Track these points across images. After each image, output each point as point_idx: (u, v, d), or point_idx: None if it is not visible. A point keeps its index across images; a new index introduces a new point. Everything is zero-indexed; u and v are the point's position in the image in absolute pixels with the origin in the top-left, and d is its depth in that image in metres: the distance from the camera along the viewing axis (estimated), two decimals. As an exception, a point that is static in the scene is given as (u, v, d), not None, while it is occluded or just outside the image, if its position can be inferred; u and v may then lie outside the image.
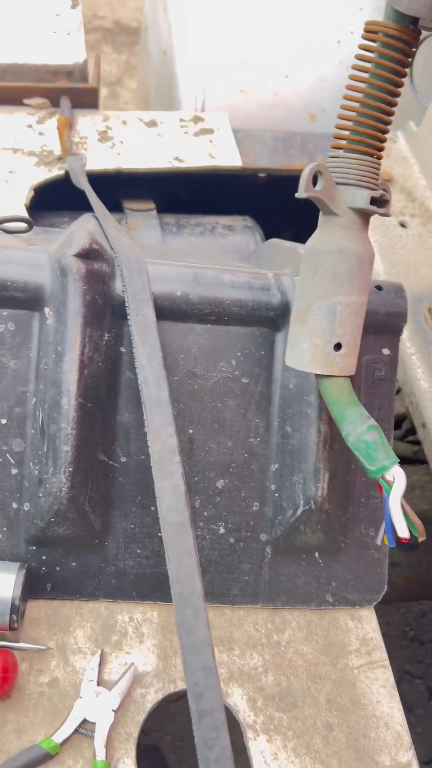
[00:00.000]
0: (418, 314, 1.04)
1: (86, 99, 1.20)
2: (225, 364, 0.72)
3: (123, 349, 0.69)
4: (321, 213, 0.62)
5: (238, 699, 0.68)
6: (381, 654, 0.73)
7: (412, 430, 1.40)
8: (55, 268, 0.66)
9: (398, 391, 1.31)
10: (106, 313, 0.67)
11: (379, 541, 0.70)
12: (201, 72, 1.51)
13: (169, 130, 1.20)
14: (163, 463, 0.61)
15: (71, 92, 1.18)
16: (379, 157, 0.60)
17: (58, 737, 0.63)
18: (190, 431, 0.71)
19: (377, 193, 0.60)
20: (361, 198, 0.59)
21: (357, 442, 0.60)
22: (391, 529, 0.58)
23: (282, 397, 0.72)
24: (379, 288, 0.74)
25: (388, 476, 0.58)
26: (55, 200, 1.09)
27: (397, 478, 0.58)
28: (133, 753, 0.64)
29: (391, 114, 0.59)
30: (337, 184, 0.60)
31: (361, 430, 0.60)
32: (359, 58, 0.57)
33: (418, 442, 1.37)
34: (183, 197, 1.25)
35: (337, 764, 0.66)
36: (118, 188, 1.17)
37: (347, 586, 0.74)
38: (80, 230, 0.67)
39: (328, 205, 0.59)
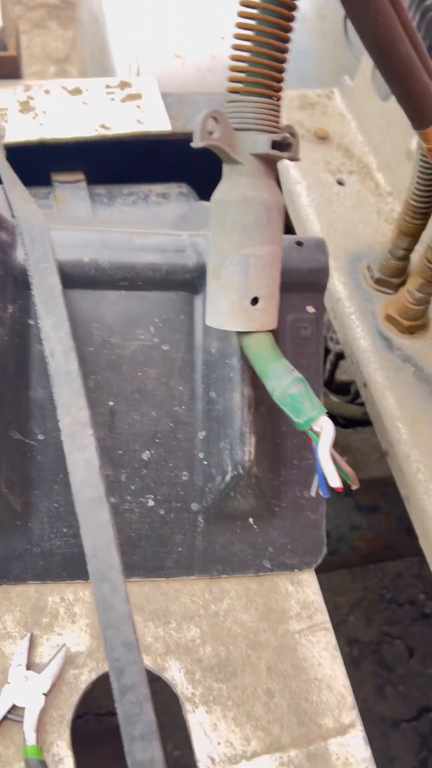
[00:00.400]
0: (357, 273, 1.02)
1: (6, 68, 1.15)
2: (143, 332, 0.69)
3: (31, 322, 0.66)
4: (224, 163, 0.59)
5: (175, 672, 0.67)
6: (322, 617, 0.72)
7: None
8: None
9: (342, 356, 1.29)
10: (7, 283, 0.64)
11: (313, 493, 0.69)
12: (133, 38, 1.46)
13: (95, 97, 1.15)
14: (75, 437, 0.59)
15: (-12, 62, 1.13)
16: (279, 98, 0.57)
17: (-13, 725, 0.61)
18: (111, 403, 0.68)
19: (279, 137, 0.57)
20: (262, 143, 0.56)
21: (282, 396, 0.58)
22: (324, 480, 0.56)
23: (204, 363, 0.70)
24: (299, 244, 0.72)
25: (316, 427, 0.57)
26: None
27: (324, 428, 0.56)
28: (66, 735, 0.62)
29: (285, 51, 0.56)
30: (236, 130, 0.57)
31: (286, 384, 0.58)
32: (247, -7, 0.54)
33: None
34: (116, 167, 1.21)
35: (278, 730, 0.65)
36: (47, 161, 1.13)
37: (285, 550, 0.73)
38: (-24, 199, 0.64)
39: (228, 153, 0.56)
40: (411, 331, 0.95)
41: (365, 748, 0.65)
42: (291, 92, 1.26)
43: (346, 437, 2.28)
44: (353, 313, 0.98)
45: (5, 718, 0.62)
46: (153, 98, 1.18)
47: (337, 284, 1.01)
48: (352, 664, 1.99)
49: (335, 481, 0.56)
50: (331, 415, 1.38)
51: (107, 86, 1.18)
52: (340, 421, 1.32)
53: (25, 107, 1.11)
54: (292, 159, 0.60)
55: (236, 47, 0.56)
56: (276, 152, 0.56)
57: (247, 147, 0.57)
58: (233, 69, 0.57)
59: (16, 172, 0.86)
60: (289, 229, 1.17)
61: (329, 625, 0.71)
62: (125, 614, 0.55)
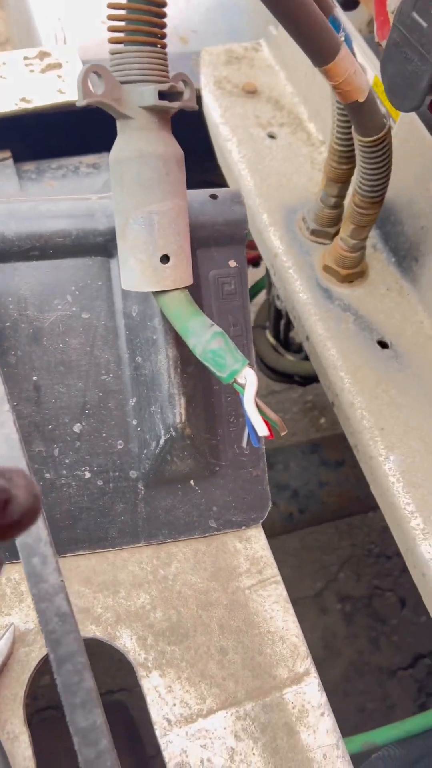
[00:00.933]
0: (293, 225, 1.01)
1: None
2: (60, 302, 0.67)
3: None
4: (116, 120, 0.57)
5: (127, 640, 0.67)
6: (272, 570, 0.72)
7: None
8: None
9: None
10: None
11: (244, 444, 0.69)
12: (56, 6, 1.41)
13: (13, 70, 1.12)
14: (-8, 413, 0.58)
15: None
16: (163, 46, 0.55)
17: None
18: (34, 378, 0.67)
19: (166, 86, 0.55)
20: (149, 94, 0.54)
21: (204, 353, 0.57)
22: (253, 429, 0.56)
23: (127, 327, 0.68)
24: (213, 197, 0.70)
25: (240, 379, 0.56)
26: None
27: (248, 379, 0.56)
28: (20, 712, 0.62)
29: (163, -6, 0.54)
30: (122, 83, 0.55)
31: (206, 339, 0.57)
32: None
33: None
34: (46, 142, 1.18)
35: (233, 685, 0.65)
36: (-29, 141, 1.10)
37: (229, 508, 0.72)
38: None
39: (116, 108, 0.54)
40: (349, 279, 0.94)
41: (320, 694, 0.65)
42: (217, 48, 1.23)
43: (305, 395, 2.28)
44: (291, 267, 0.97)
45: None
46: (75, 66, 1.15)
47: (274, 239, 1.00)
48: (345, 620, 2.02)
49: (263, 430, 0.55)
50: (289, 374, 1.37)
51: (25, 57, 1.15)
52: (297, 379, 1.32)
53: None
54: (186, 108, 0.58)
55: (112, -7, 0.53)
56: (165, 102, 0.55)
57: (134, 100, 0.55)
58: (111, 18, 0.55)
59: None
60: (224, 186, 1.15)
61: (279, 578, 0.71)
62: (57, 585, 0.54)
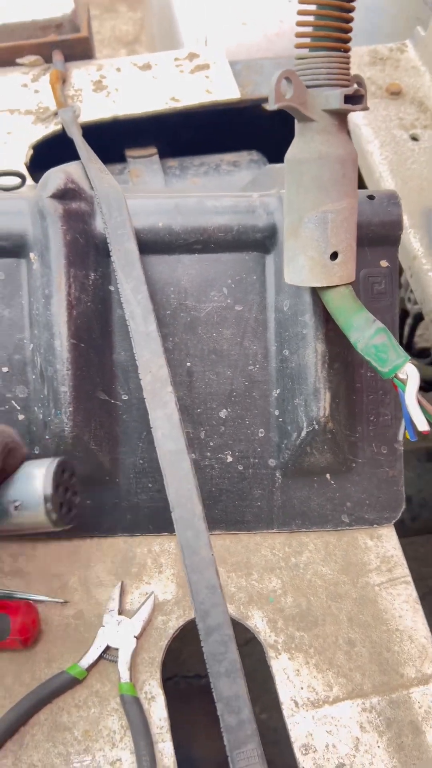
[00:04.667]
0: (434, 229, 1.00)
1: (79, 50, 1.19)
2: (217, 293, 0.71)
3: (112, 288, 0.69)
4: (296, 121, 0.60)
5: (258, 621, 0.69)
6: (402, 570, 0.72)
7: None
8: (35, 212, 0.66)
9: (422, 317, 1.26)
10: (89, 252, 0.67)
11: (400, 437, 0.70)
12: (199, 9, 1.46)
13: (164, 71, 1.17)
14: (155, 394, 0.62)
15: (62, 45, 1.17)
16: (347, 50, 0.57)
17: (84, 663, 0.65)
18: (188, 364, 0.71)
19: (350, 90, 0.57)
20: (335, 98, 0.56)
21: (366, 347, 0.59)
22: (411, 424, 0.57)
23: (277, 321, 0.71)
24: (371, 197, 0.71)
25: (401, 375, 0.58)
26: (60, 155, 1.09)
27: (410, 375, 0.58)
28: (158, 675, 0.66)
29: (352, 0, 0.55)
30: (308, 87, 0.57)
31: (369, 334, 0.59)
32: None
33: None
34: (188, 138, 1.23)
35: (360, 677, 0.67)
36: (121, 137, 1.16)
37: (363, 505, 0.73)
38: (56, 172, 0.67)
39: (302, 111, 0.57)
40: None
41: (448, 697, 0.65)
42: (361, 48, 1.23)
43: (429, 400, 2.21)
44: (431, 270, 0.96)
45: (101, 657, 0.66)
46: (221, 67, 1.18)
47: (413, 241, 0.99)
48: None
49: (423, 425, 0.57)
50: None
51: (176, 59, 1.20)
52: (421, 384, 1.30)
53: (99, 86, 1.14)
54: (364, 109, 0.59)
55: (302, 1, 0.56)
56: (349, 106, 0.56)
57: (320, 103, 0.57)
58: (300, 24, 0.57)
59: (92, 148, 0.89)
60: (362, 188, 1.15)
61: (410, 579, 0.72)
62: (208, 559, 0.58)
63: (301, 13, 0.56)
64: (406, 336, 1.37)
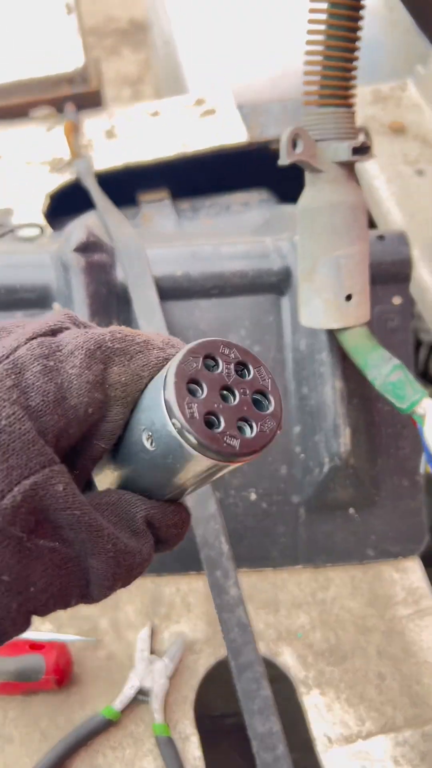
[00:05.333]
0: (443, 261, 1.02)
1: (90, 101, 1.23)
2: (235, 336, 0.73)
3: (134, 334, 0.72)
4: (306, 172, 0.63)
5: (288, 657, 0.70)
6: (429, 602, 0.73)
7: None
8: (58, 265, 0.69)
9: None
10: (111, 301, 0.70)
11: (422, 470, 0.71)
12: (204, 55, 1.51)
13: (173, 117, 1.21)
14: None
15: (74, 97, 1.21)
16: (351, 105, 0.60)
17: (118, 705, 0.66)
18: (210, 405, 0.73)
19: (357, 143, 0.59)
20: (344, 151, 0.59)
21: (384, 385, 0.61)
22: (431, 457, 0.59)
23: (295, 360, 0.73)
24: (381, 238, 0.74)
25: (420, 410, 0.59)
26: (75, 204, 1.13)
27: (428, 409, 0.59)
28: (191, 714, 0.67)
29: (354, 60, 0.58)
30: (317, 141, 0.60)
31: (386, 372, 0.61)
32: (312, 11, 0.57)
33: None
34: (199, 180, 1.27)
35: (392, 711, 0.67)
36: (134, 183, 1.20)
37: (386, 538, 0.74)
38: (78, 226, 0.70)
39: (312, 164, 0.60)
40: None
41: None
42: (363, 88, 1.27)
43: None
44: (442, 301, 0.98)
45: (134, 698, 0.67)
46: (228, 111, 1.23)
47: (424, 274, 1.01)
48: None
49: None
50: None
51: (184, 105, 1.24)
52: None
53: (110, 134, 1.19)
54: (369, 159, 0.62)
55: (308, 63, 0.59)
56: (357, 157, 0.59)
57: (329, 156, 0.60)
58: (307, 83, 0.60)
59: (105, 193, 0.93)
60: (370, 223, 1.18)
61: (436, 609, 0.72)
62: (238, 598, 0.59)
63: (307, 73, 0.59)
64: (421, 365, 1.38)
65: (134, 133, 1.18)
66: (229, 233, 1.10)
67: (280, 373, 0.73)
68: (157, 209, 1.17)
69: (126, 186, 1.17)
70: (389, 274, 0.73)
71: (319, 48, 0.58)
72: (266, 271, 0.72)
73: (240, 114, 1.22)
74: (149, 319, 0.67)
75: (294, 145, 0.58)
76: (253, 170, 1.27)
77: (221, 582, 0.59)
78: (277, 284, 0.72)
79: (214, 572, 0.59)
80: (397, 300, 0.74)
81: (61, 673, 0.66)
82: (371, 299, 0.73)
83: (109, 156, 1.15)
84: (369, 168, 1.15)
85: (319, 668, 0.69)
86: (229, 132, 1.18)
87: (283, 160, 0.58)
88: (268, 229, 0.94)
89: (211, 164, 1.22)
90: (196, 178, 1.25)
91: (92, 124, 1.20)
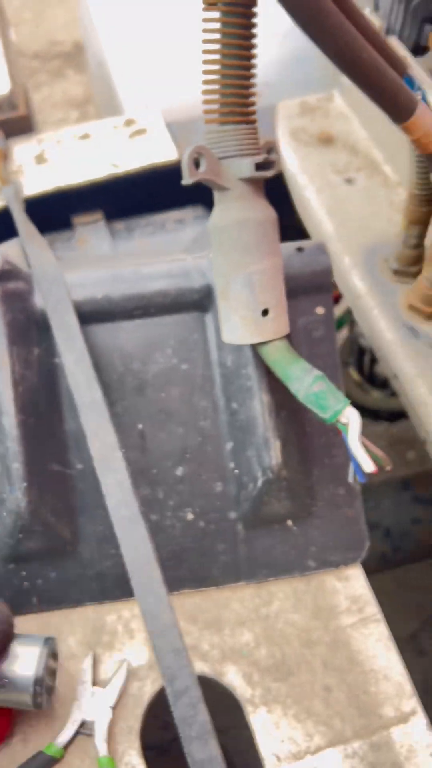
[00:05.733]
0: (375, 267, 1.03)
1: (19, 127, 1.23)
2: (161, 355, 0.73)
3: (57, 360, 0.71)
4: (213, 190, 0.63)
5: (233, 677, 0.69)
6: (372, 608, 0.73)
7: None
8: (-27, 296, 0.68)
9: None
10: (30, 328, 0.69)
11: (350, 480, 0.71)
12: (136, 76, 1.52)
13: (104, 138, 1.21)
14: (106, 460, 0.63)
15: (2, 123, 1.21)
16: (253, 122, 0.60)
17: (61, 741, 0.65)
18: (140, 426, 0.72)
19: (260, 159, 0.60)
20: (247, 167, 0.59)
21: (307, 396, 0.61)
22: (358, 466, 0.59)
23: (223, 376, 0.73)
24: (300, 249, 0.74)
25: (343, 419, 0.59)
26: (9, 232, 1.12)
27: (351, 418, 0.59)
28: (137, 744, 0.66)
29: (251, 77, 0.59)
30: (220, 159, 0.60)
31: (308, 383, 0.61)
32: (205, 30, 0.57)
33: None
34: (134, 200, 1.26)
35: (340, 723, 0.67)
36: (67, 206, 1.19)
37: (327, 548, 0.74)
38: (-7, 255, 0.69)
39: (217, 182, 0.60)
40: (434, 316, 0.95)
41: (428, 734, 0.65)
42: (291, 101, 1.29)
43: (389, 429, 2.24)
44: (375, 307, 0.99)
45: (77, 733, 0.65)
46: (158, 130, 1.23)
47: (356, 281, 1.02)
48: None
49: (369, 466, 0.58)
50: (376, 411, 1.38)
51: (114, 126, 1.24)
52: (383, 415, 1.32)
53: (40, 159, 1.18)
54: (274, 175, 0.62)
55: (205, 81, 0.59)
56: (261, 173, 0.59)
57: (233, 173, 0.60)
58: (206, 102, 0.60)
59: (38, 220, 0.92)
60: (303, 235, 1.19)
61: (380, 616, 0.72)
62: (171, 622, 0.58)
63: (205, 92, 0.59)
64: (367, 370, 1.40)
65: (65, 156, 1.18)
66: (164, 252, 1.10)
67: (209, 390, 0.73)
68: (92, 231, 1.17)
69: (60, 210, 1.16)
70: (311, 285, 0.73)
71: (216, 67, 0.58)
72: (188, 289, 0.72)
73: (170, 132, 1.22)
74: (70, 345, 0.66)
75: (197, 164, 0.58)
76: (186, 187, 1.28)
77: (153, 608, 0.58)
78: (199, 302, 0.72)
79: (146, 598, 0.58)
80: (320, 310, 0.74)
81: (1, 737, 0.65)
82: (295, 311, 0.74)
83: (39, 181, 1.14)
84: (299, 179, 1.16)
85: (265, 685, 0.69)
86: (159, 150, 1.19)
87: (186, 180, 0.58)
88: (198, 246, 0.94)
89: (145, 184, 1.22)
90: (131, 198, 1.25)
91: (21, 150, 1.19)
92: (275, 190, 1.18)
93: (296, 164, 1.18)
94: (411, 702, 0.68)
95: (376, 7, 1.14)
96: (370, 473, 0.59)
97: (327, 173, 1.16)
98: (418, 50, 1.10)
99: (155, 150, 1.19)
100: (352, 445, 0.59)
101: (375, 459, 0.59)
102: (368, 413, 1.33)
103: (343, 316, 1.45)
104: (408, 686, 0.68)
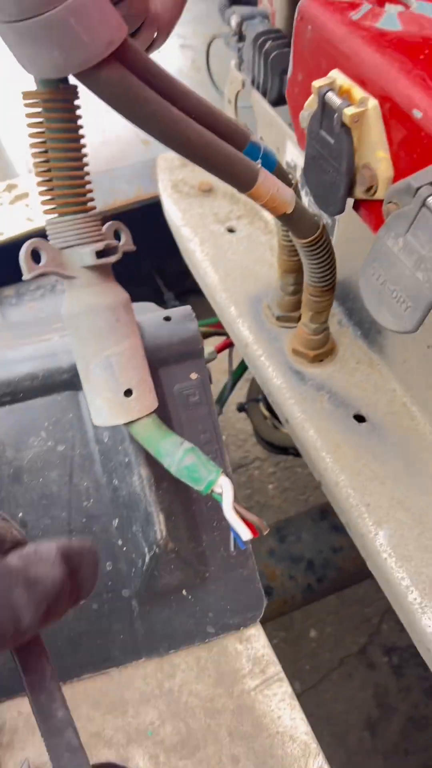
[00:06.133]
0: (259, 314, 1.05)
1: None
2: (35, 439, 0.72)
3: None
4: (61, 279, 0.63)
5: (140, 761, 0.68)
6: (275, 668, 0.73)
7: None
8: None
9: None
10: None
11: (232, 549, 0.71)
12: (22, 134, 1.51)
13: (-16, 206, 1.20)
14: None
15: None
16: (90, 209, 0.61)
17: None
18: (20, 515, 0.71)
19: (101, 246, 0.60)
20: (88, 256, 0.59)
21: (179, 470, 0.61)
22: (237, 534, 0.59)
23: (101, 453, 0.72)
24: (167, 319, 0.75)
25: (217, 489, 0.60)
26: None
27: (224, 487, 0.60)
28: None
29: (82, 167, 0.59)
30: (62, 249, 0.60)
31: (179, 457, 0.61)
32: (31, 126, 0.58)
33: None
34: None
35: (249, 794, 0.66)
36: None
37: (225, 612, 0.74)
38: None
39: (61, 272, 0.60)
40: (319, 359, 0.98)
41: (335, 792, 0.66)
42: (170, 154, 1.31)
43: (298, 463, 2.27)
44: (262, 354, 1.01)
45: None
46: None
47: (243, 329, 1.04)
48: (395, 673, 1.97)
49: (246, 534, 0.59)
50: (285, 447, 1.39)
51: (-6, 193, 1.23)
52: (291, 451, 1.34)
53: None
54: (126, 251, 0.63)
55: (38, 174, 0.59)
56: (103, 260, 0.60)
57: (76, 262, 0.60)
58: (41, 194, 0.60)
59: None
60: (193, 285, 1.21)
61: (282, 674, 0.72)
62: (66, 720, 0.56)
63: (40, 184, 0.60)
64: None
65: None
66: (55, 316, 1.09)
67: (89, 468, 0.72)
68: (-21, 301, 1.15)
69: None
70: (182, 352, 0.74)
71: (45, 160, 0.58)
72: (56, 369, 0.71)
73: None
74: None
75: (37, 258, 0.58)
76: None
77: (46, 706, 0.56)
78: (70, 381, 0.72)
79: (38, 697, 0.56)
80: (194, 375, 0.75)
81: None
82: (170, 378, 0.74)
83: None
84: (183, 232, 1.18)
85: (172, 765, 0.68)
86: (41, 215, 1.18)
87: (26, 276, 0.57)
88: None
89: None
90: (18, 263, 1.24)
91: None
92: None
93: (179, 216, 1.20)
94: (318, 760, 0.68)
95: (240, 63, 1.18)
96: (248, 540, 0.59)
97: (209, 223, 1.19)
98: (281, 101, 1.14)
99: (38, 214, 1.19)
100: (227, 515, 0.59)
101: (252, 524, 0.60)
102: (277, 449, 1.35)
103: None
104: (314, 744, 0.69)
